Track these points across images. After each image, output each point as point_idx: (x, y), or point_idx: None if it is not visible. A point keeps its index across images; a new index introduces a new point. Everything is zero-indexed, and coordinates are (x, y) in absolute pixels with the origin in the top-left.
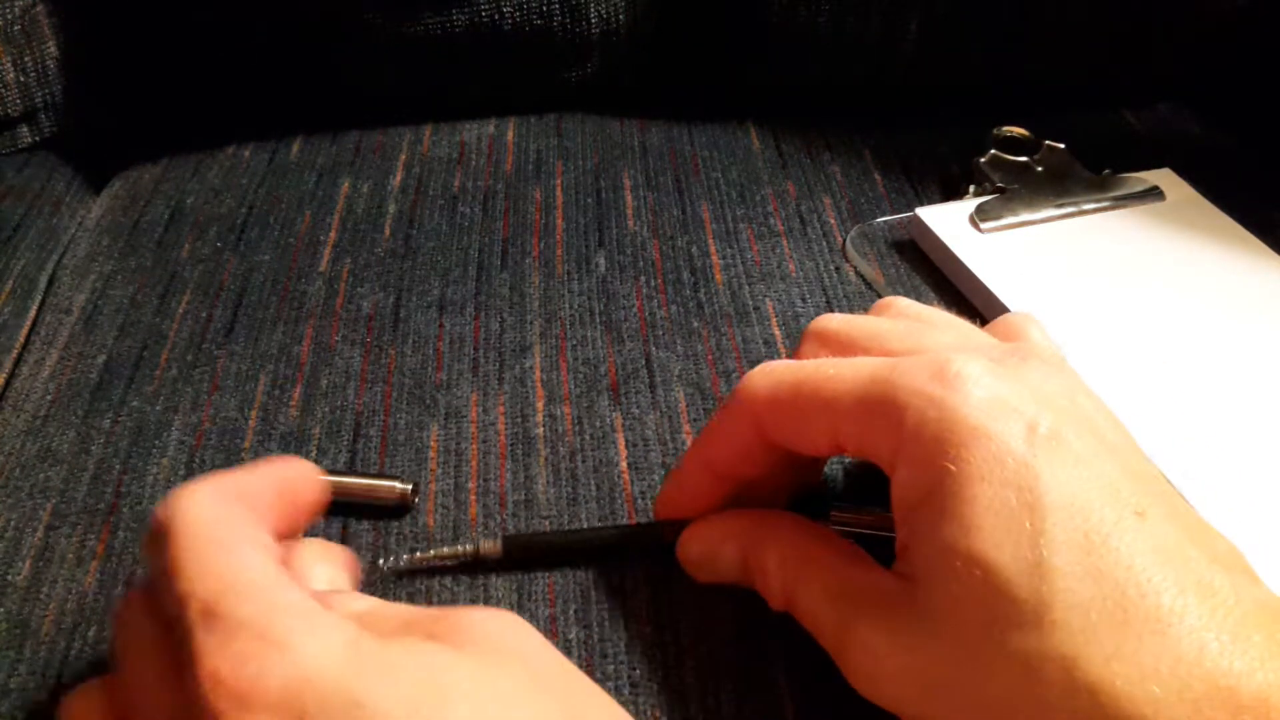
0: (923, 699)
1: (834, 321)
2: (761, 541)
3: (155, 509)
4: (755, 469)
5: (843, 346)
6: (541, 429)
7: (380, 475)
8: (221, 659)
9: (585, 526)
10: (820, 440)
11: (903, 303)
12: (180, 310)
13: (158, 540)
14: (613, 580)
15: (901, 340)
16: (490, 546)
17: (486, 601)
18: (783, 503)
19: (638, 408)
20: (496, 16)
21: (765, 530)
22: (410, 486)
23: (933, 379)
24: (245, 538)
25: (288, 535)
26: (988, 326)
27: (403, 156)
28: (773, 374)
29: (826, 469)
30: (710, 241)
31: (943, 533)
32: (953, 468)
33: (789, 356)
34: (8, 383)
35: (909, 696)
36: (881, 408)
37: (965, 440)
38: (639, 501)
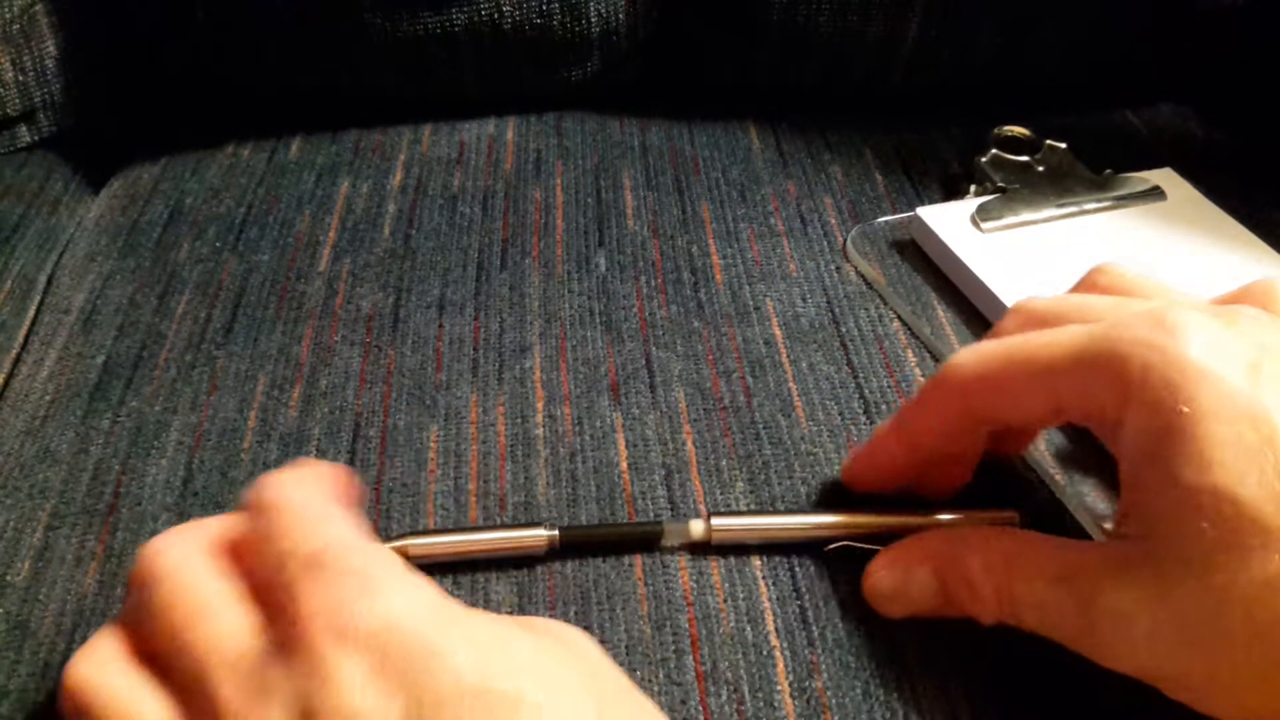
0: (1180, 652)
1: (1039, 301)
2: (959, 554)
3: (251, 490)
4: (955, 445)
5: (1047, 323)
6: (541, 430)
7: (514, 525)
8: (324, 601)
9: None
10: (1036, 406)
11: (1114, 271)
12: (179, 310)
13: (260, 513)
14: (612, 582)
15: (1109, 312)
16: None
17: (487, 601)
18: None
19: (638, 408)
20: (496, 16)
21: (960, 543)
22: (555, 532)
23: (1154, 329)
24: (341, 511)
25: None
26: (1235, 291)
27: (402, 156)
28: (980, 350)
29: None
30: (710, 241)
31: (1184, 474)
32: (1185, 409)
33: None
34: (6, 383)
35: (1166, 653)
36: (1104, 362)
37: (1194, 382)
38: (639, 502)
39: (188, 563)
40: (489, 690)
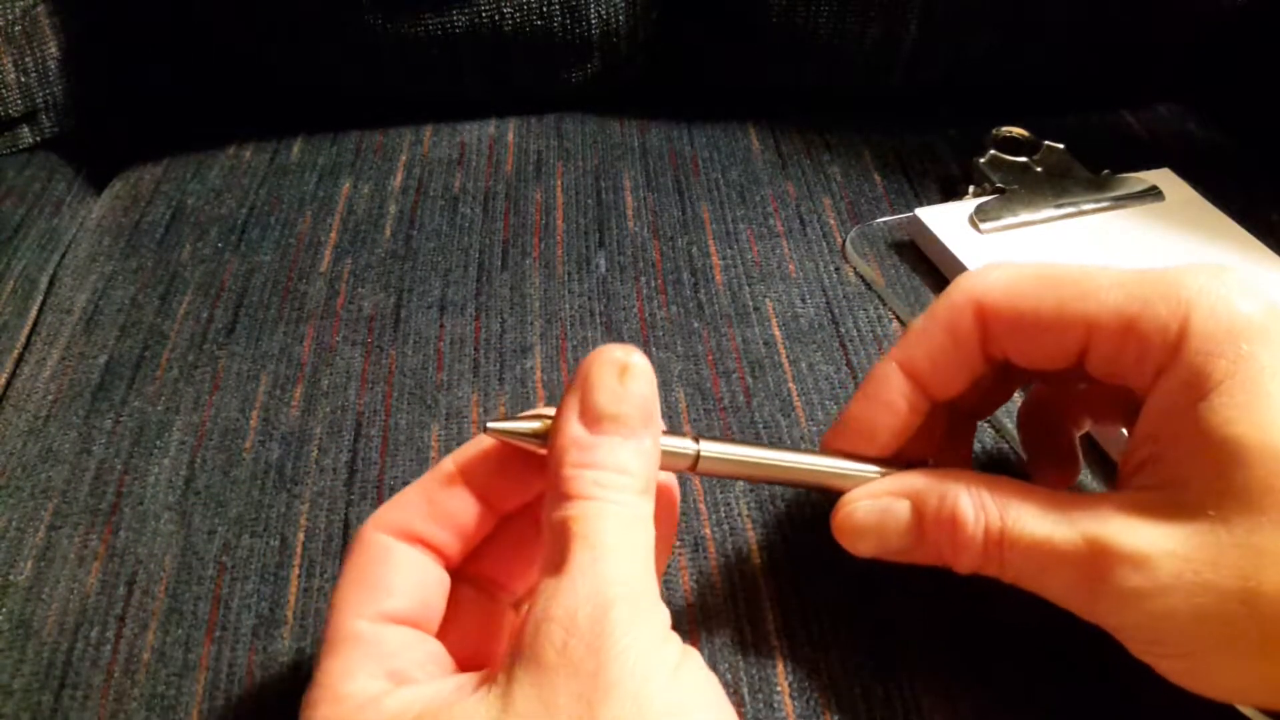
0: (1192, 607)
1: None
2: (944, 491)
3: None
4: (959, 384)
5: None
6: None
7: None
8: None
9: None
10: (1063, 344)
11: None
12: (181, 310)
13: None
14: None
15: None
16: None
17: None
18: (966, 450)
19: None
20: (496, 16)
21: (947, 480)
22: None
23: (1216, 278)
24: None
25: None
26: None
27: (403, 157)
28: (1008, 267)
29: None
30: (710, 242)
31: (1236, 428)
32: (1246, 366)
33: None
34: (9, 383)
35: (1173, 608)
36: (1162, 298)
37: (1258, 338)
38: None
39: None
40: None
